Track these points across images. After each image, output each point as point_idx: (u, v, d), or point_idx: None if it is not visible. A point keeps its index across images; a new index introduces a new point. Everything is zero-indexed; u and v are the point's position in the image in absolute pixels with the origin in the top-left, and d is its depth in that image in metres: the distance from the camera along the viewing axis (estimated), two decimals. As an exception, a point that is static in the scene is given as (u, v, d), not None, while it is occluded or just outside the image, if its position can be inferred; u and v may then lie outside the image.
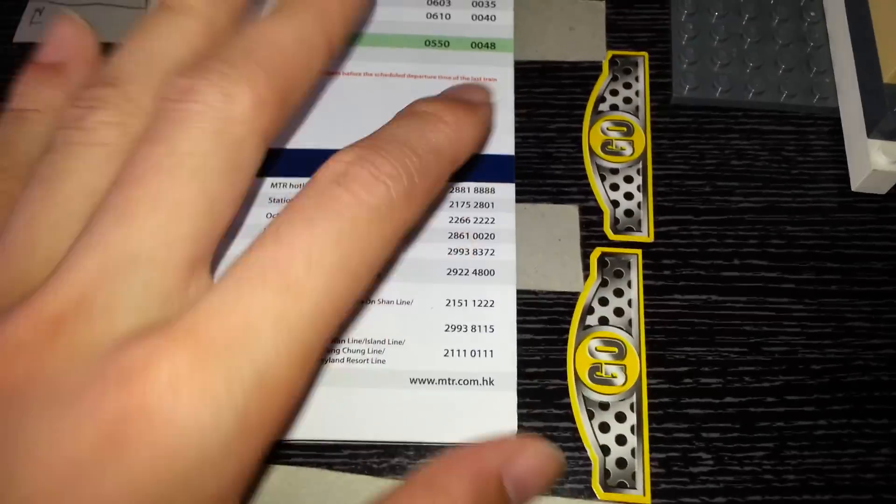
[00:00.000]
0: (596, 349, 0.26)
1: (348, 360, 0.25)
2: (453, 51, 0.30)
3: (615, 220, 0.28)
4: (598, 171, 0.29)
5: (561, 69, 0.31)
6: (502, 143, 0.28)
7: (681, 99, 0.30)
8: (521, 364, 0.25)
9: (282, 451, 0.24)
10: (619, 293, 0.27)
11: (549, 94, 0.30)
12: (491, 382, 0.25)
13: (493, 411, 0.24)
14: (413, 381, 0.25)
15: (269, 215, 0.27)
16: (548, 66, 0.31)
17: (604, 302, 0.26)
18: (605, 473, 0.24)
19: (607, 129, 0.30)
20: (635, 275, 0.27)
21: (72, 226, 0.17)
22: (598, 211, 0.28)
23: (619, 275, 0.27)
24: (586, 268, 0.27)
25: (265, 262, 0.16)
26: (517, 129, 0.29)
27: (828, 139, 0.29)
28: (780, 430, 0.25)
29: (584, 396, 0.25)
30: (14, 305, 0.16)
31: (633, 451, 0.24)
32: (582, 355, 0.26)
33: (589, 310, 0.26)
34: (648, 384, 0.25)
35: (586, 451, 0.24)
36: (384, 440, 0.24)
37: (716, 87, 0.30)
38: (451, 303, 0.26)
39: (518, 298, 0.26)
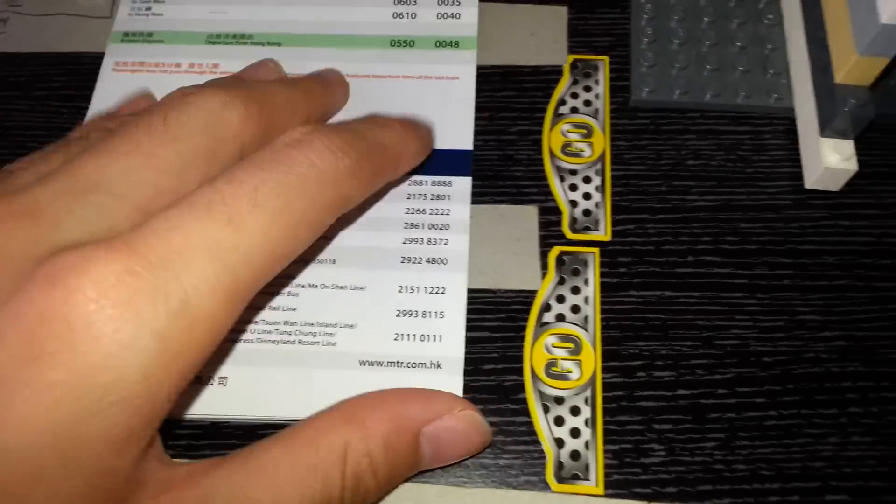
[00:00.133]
0: (552, 345, 0.26)
1: (300, 342, 0.26)
2: (418, 50, 0.31)
3: (573, 220, 0.29)
4: (557, 173, 0.29)
5: (522, 73, 0.31)
6: (461, 137, 0.29)
7: (639, 101, 0.31)
8: (479, 361, 0.26)
9: (226, 429, 0.25)
10: (576, 291, 0.27)
11: (511, 97, 0.31)
12: (439, 366, 0.25)
13: None
14: (362, 363, 0.25)
15: None
16: (510, 70, 0.32)
17: (561, 299, 0.27)
18: (559, 466, 0.25)
19: (567, 131, 0.30)
20: (592, 272, 0.28)
21: None
22: (557, 211, 0.29)
23: (576, 273, 0.28)
24: (544, 266, 0.28)
25: (213, 195, 0.18)
26: (478, 132, 0.30)
27: (783, 138, 0.30)
28: (731, 422, 0.25)
29: (539, 391, 0.25)
30: None
31: (586, 444, 0.25)
32: (538, 352, 0.26)
33: (546, 307, 0.27)
34: (603, 378, 0.26)
35: (541, 445, 0.25)
36: None
37: (674, 89, 0.31)
38: (404, 289, 0.26)
39: (476, 297, 0.27)
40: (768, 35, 0.32)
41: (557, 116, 0.30)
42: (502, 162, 0.30)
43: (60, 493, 0.15)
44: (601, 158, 0.30)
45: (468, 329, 0.26)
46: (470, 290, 0.27)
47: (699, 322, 0.27)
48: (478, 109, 0.30)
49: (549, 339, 0.26)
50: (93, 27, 0.33)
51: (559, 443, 0.25)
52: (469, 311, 0.27)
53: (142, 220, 0.17)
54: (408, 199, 0.28)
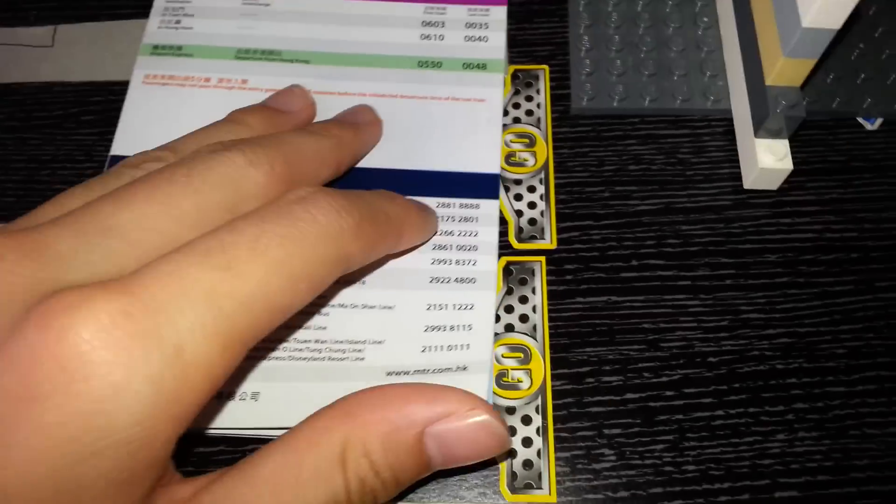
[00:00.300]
0: (502, 356, 0.26)
1: (329, 358, 0.26)
2: (445, 72, 0.31)
3: (519, 230, 0.29)
4: (502, 183, 0.30)
5: (464, 86, 0.32)
6: (488, 161, 0.29)
7: (580, 109, 0.31)
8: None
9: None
10: (523, 300, 0.27)
11: (453, 111, 0.31)
12: (464, 369, 0.25)
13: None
14: (389, 374, 0.25)
15: None
16: (451, 84, 0.32)
17: (509, 310, 0.27)
18: (513, 476, 0.25)
19: (510, 141, 0.30)
20: (539, 281, 0.28)
21: None
22: (503, 221, 0.29)
23: (523, 282, 0.28)
24: (491, 277, 0.28)
25: (212, 242, 0.18)
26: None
27: (722, 140, 0.30)
28: (680, 423, 0.25)
29: (491, 403, 0.26)
30: None
31: (538, 452, 0.25)
32: (488, 362, 0.26)
33: (495, 318, 0.27)
34: (553, 386, 0.26)
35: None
36: None
37: (612, 96, 0.31)
38: (432, 307, 0.27)
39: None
40: (704, 38, 0.32)
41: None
42: (446, 175, 0.30)
43: None
44: (544, 167, 0.30)
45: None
46: (418, 305, 0.27)
47: (645, 325, 0.27)
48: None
49: (500, 350, 0.26)
50: (35, 56, 0.33)
51: (511, 453, 0.25)
52: (418, 326, 0.27)
53: None
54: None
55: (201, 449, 0.25)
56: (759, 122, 0.28)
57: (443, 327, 0.26)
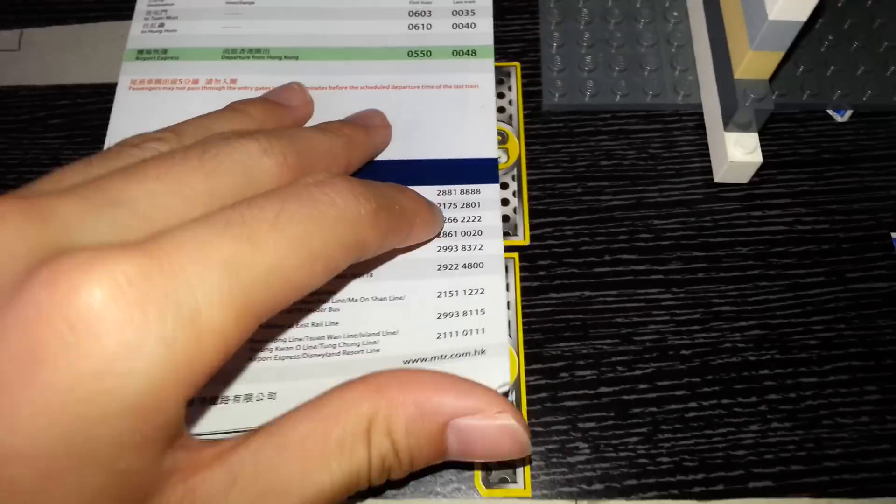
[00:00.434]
0: (476, 352, 0.26)
1: (344, 352, 0.25)
2: (435, 60, 0.31)
3: (492, 226, 0.29)
4: (474, 180, 0.30)
5: (435, 84, 0.32)
6: (485, 146, 0.29)
7: (551, 105, 0.31)
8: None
9: None
10: (497, 296, 0.27)
11: (425, 108, 0.31)
12: (483, 352, 0.25)
13: (484, 375, 0.24)
14: (406, 362, 0.25)
15: None
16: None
17: (483, 306, 0.27)
18: (487, 471, 0.25)
19: (482, 138, 0.30)
20: (513, 277, 0.28)
21: None
22: (476, 218, 0.29)
23: (497, 278, 0.28)
24: (465, 274, 0.28)
25: (232, 215, 0.17)
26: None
27: (693, 134, 0.31)
28: (653, 415, 0.25)
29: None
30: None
31: (513, 448, 0.25)
32: (462, 359, 0.26)
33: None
34: (527, 381, 0.26)
35: (468, 451, 0.25)
36: None
37: (584, 92, 0.31)
38: (443, 294, 0.26)
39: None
40: (674, 33, 0.32)
41: (472, 125, 0.31)
42: (419, 173, 0.30)
43: (81, 491, 0.15)
44: (517, 164, 0.30)
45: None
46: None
47: (618, 320, 0.27)
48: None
49: (473, 347, 0.26)
50: (1, 60, 0.32)
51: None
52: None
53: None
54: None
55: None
56: (729, 115, 0.28)
57: (455, 313, 0.26)
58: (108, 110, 0.30)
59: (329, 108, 0.29)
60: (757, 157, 0.28)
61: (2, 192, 0.28)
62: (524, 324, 0.27)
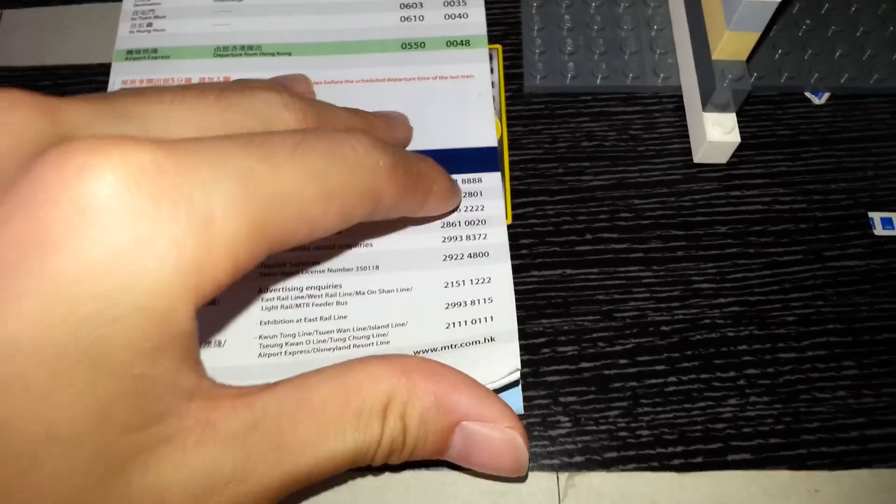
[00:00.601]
0: (459, 329, 0.26)
1: (354, 346, 0.25)
2: (429, 51, 0.31)
3: (474, 206, 0.29)
4: (456, 161, 0.30)
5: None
6: (484, 135, 0.30)
7: (533, 87, 0.31)
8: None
9: None
10: (479, 274, 0.28)
11: (407, 90, 0.31)
12: (492, 339, 0.25)
13: (495, 362, 0.25)
14: (417, 352, 0.25)
15: None
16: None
17: (465, 284, 0.27)
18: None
19: (465, 120, 0.31)
20: (495, 256, 0.28)
21: None
22: (458, 198, 0.29)
23: (479, 257, 0.28)
24: (447, 253, 0.28)
25: (254, 137, 0.17)
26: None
27: (672, 116, 0.31)
28: (633, 390, 0.26)
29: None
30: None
31: (495, 422, 0.25)
32: (445, 336, 0.26)
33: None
34: (509, 357, 0.26)
35: (450, 426, 0.25)
36: None
37: (565, 74, 0.31)
38: (450, 284, 0.27)
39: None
40: (654, 16, 0.32)
41: (454, 106, 0.31)
42: (401, 153, 0.30)
43: (94, 394, 0.14)
44: (499, 145, 0.30)
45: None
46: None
47: (599, 297, 0.27)
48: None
49: (455, 324, 0.27)
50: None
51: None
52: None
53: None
54: None
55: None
56: (707, 96, 0.28)
57: (463, 303, 0.26)
58: (90, 91, 0.30)
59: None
60: (735, 137, 0.28)
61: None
62: (506, 301, 0.27)
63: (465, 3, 0.32)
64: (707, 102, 0.28)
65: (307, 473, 0.17)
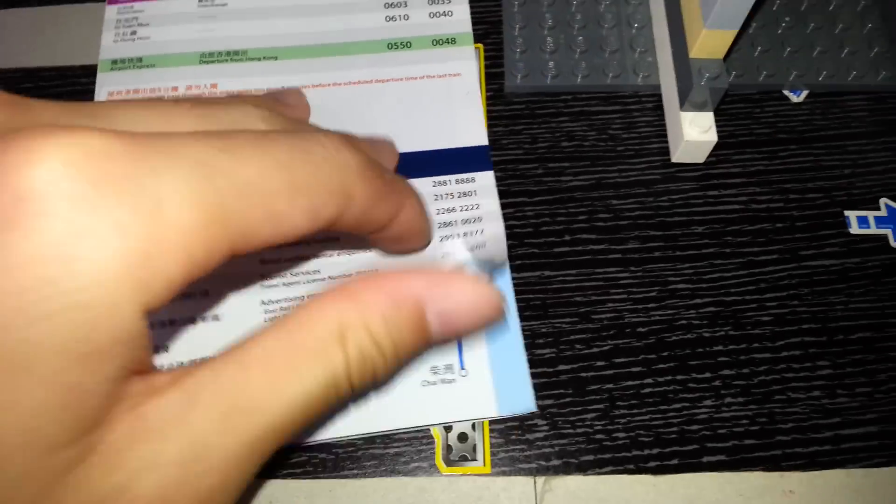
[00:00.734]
0: (437, 332, 0.27)
1: None
2: (416, 50, 0.31)
3: (453, 208, 0.29)
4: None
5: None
6: (474, 134, 0.30)
7: (513, 87, 0.31)
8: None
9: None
10: (458, 277, 0.28)
11: (387, 91, 0.31)
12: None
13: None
14: None
15: None
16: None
17: (444, 286, 0.28)
18: (448, 449, 0.25)
19: (444, 120, 0.31)
20: (474, 258, 0.28)
21: None
22: (437, 200, 0.29)
23: (458, 259, 0.28)
24: (427, 255, 0.28)
25: (218, 132, 0.16)
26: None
27: (651, 115, 0.31)
28: (610, 392, 0.26)
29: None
30: None
31: (473, 426, 0.25)
32: (423, 339, 0.27)
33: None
34: (487, 360, 0.26)
35: (430, 431, 0.25)
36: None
37: (545, 74, 0.31)
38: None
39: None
40: (634, 15, 0.32)
41: (434, 107, 0.31)
42: (380, 155, 0.30)
43: (16, 408, 0.13)
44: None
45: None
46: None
47: (577, 298, 0.27)
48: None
49: (434, 327, 0.27)
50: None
51: (447, 427, 0.25)
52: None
53: None
54: (436, 199, 0.28)
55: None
56: (684, 94, 0.28)
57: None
58: (72, 94, 0.30)
59: (312, 106, 0.29)
60: (712, 136, 0.28)
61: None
62: (485, 303, 0.27)
63: (450, 1, 0.32)
64: (685, 101, 0.28)
65: (272, 430, 0.16)
